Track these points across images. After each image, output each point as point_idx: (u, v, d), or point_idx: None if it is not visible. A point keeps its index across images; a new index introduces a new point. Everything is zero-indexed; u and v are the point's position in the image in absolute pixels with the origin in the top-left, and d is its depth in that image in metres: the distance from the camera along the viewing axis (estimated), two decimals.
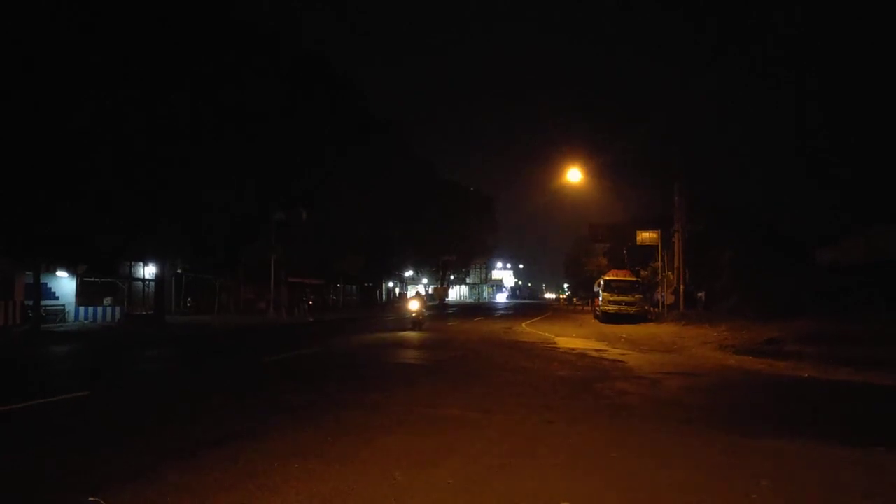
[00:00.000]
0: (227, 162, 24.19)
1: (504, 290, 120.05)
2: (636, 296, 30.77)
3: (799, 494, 4.48)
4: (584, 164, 30.76)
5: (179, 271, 31.43)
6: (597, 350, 15.62)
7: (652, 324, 27.42)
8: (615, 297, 30.55)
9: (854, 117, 35.91)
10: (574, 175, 30.64)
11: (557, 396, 8.50)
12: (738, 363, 13.13)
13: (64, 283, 26.07)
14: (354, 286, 52.98)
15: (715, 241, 29.82)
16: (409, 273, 63.78)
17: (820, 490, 4.62)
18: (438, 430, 6.21)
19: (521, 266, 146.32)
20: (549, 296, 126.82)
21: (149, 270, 30.42)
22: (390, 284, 63.22)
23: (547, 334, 21.31)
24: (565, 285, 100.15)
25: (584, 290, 63.47)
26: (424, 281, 72.13)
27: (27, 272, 21.91)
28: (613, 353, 15.01)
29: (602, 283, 33.10)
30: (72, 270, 25.89)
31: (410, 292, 47.05)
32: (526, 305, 68.60)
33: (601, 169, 31.62)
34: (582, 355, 14.25)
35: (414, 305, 22.56)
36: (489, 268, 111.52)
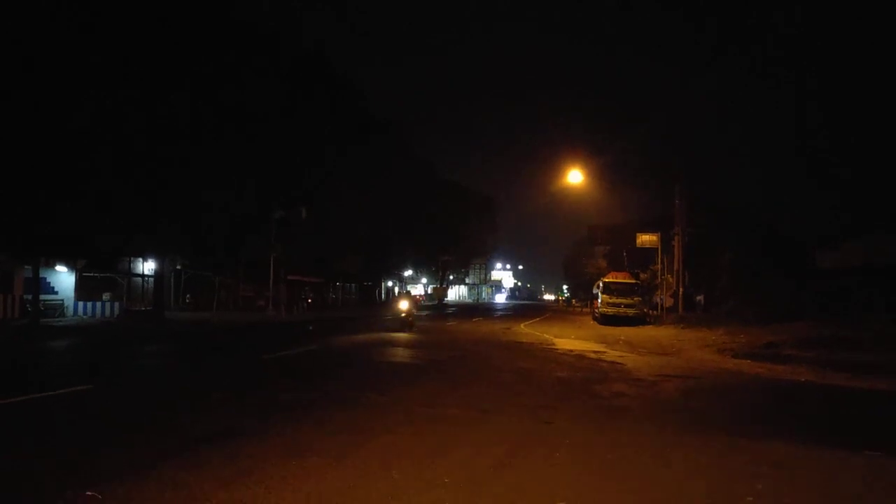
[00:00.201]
0: (227, 162, 24.22)
1: (503, 290, 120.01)
2: (635, 298, 30.80)
3: (795, 497, 4.49)
4: (584, 164, 30.73)
5: (179, 267, 31.46)
6: (595, 352, 15.63)
7: (651, 326, 27.42)
8: (614, 300, 30.59)
9: (854, 117, 35.93)
10: (575, 177, 30.63)
11: (556, 397, 8.53)
12: (737, 367, 13.13)
13: (63, 278, 26.11)
14: (353, 285, 53.02)
15: (715, 242, 29.84)
16: (408, 272, 63.77)
17: (817, 493, 4.64)
18: (437, 430, 6.23)
19: (520, 267, 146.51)
20: (548, 297, 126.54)
21: (148, 266, 30.42)
22: (389, 283, 63.20)
23: (546, 335, 21.31)
24: (564, 287, 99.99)
25: (583, 292, 63.42)
26: (424, 280, 72.13)
27: (26, 266, 21.95)
28: (612, 354, 15.02)
29: (601, 285, 33.11)
30: (71, 265, 25.94)
31: (403, 292, 46.92)
32: (525, 306, 68.55)
33: (601, 170, 31.71)
34: (580, 357, 14.27)
35: (403, 305, 21.82)
36: (488, 268, 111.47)
